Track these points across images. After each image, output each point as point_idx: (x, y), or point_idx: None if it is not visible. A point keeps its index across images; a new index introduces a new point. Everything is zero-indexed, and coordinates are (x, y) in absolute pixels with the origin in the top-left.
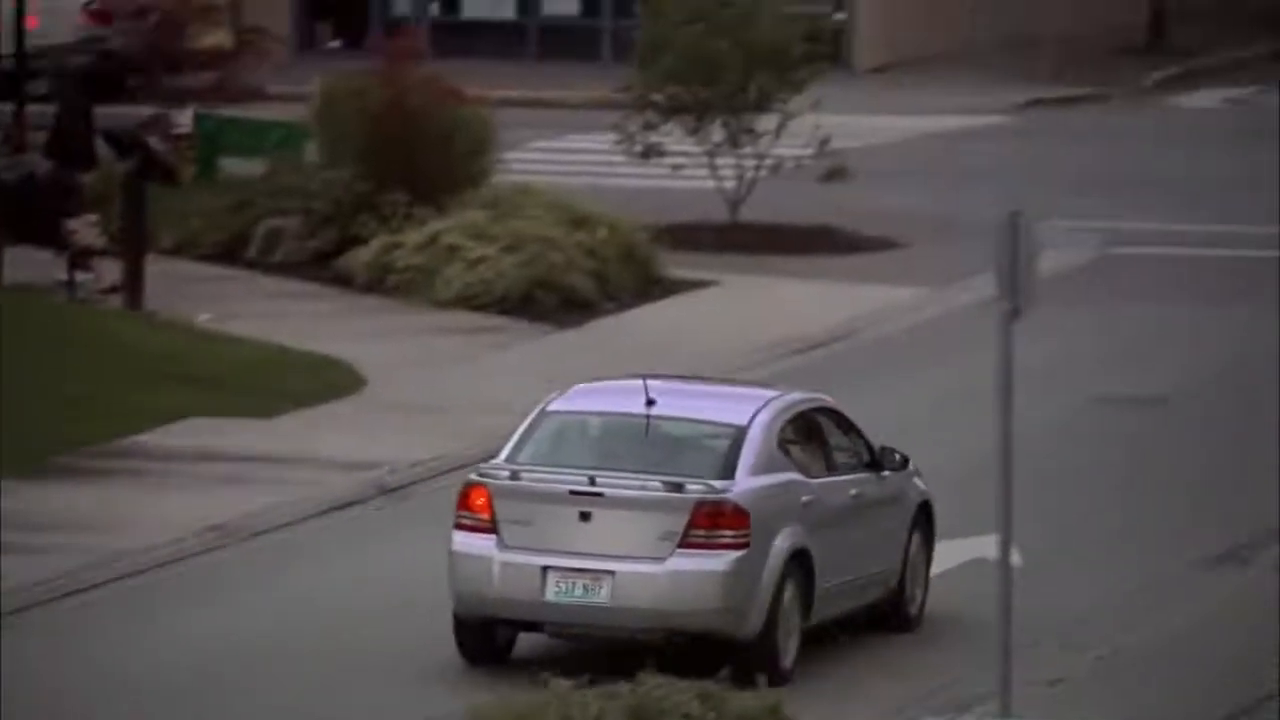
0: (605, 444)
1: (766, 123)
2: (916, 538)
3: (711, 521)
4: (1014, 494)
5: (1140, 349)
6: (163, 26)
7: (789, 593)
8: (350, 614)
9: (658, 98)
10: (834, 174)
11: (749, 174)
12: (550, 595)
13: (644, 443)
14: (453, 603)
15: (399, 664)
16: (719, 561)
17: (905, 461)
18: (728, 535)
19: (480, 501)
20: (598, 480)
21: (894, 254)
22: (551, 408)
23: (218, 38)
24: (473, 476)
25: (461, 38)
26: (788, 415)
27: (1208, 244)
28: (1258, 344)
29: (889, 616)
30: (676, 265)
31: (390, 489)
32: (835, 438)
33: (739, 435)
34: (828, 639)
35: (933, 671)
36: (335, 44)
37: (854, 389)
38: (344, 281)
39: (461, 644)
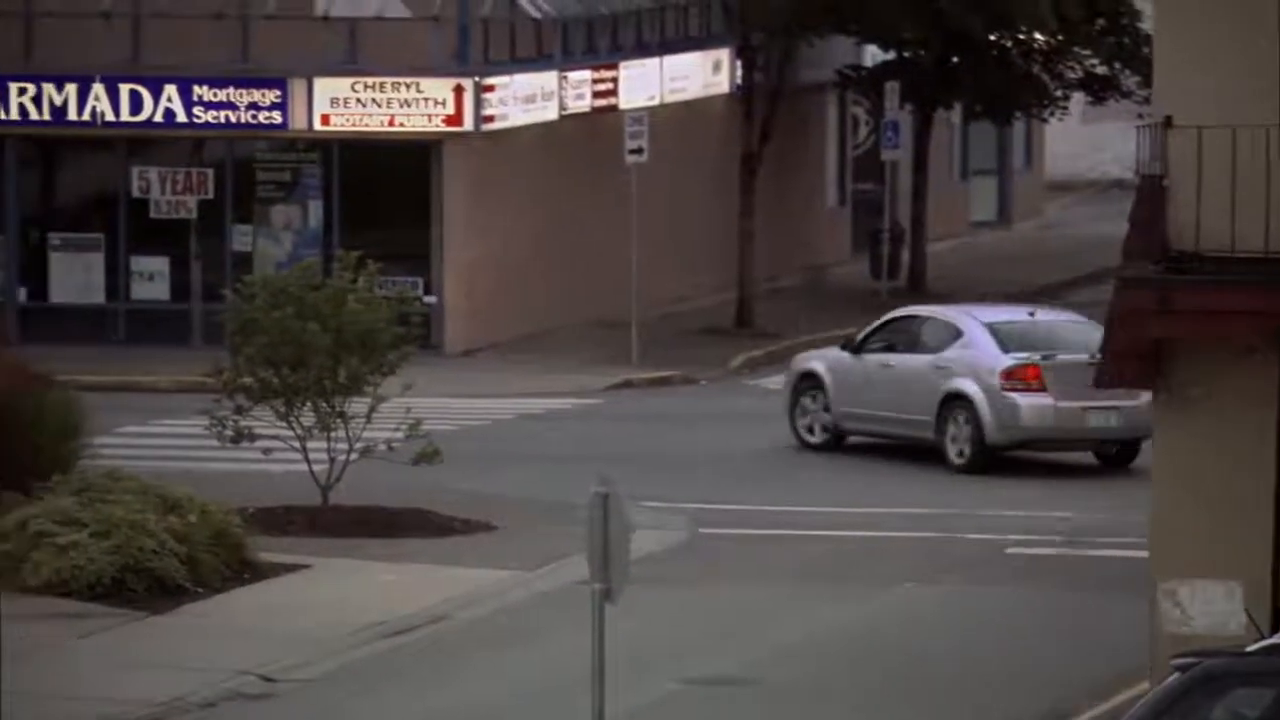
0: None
1: (358, 406)
2: None
3: None
4: None
5: (732, 628)
6: None
7: None
8: None
9: (248, 381)
10: (425, 457)
11: (340, 457)
12: (1091, 424)
13: (1050, 335)
14: (990, 435)
15: None
16: None
17: None
18: None
19: (1034, 374)
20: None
21: (486, 536)
22: (985, 319)
23: None
24: (1023, 360)
25: (50, 321)
26: None
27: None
28: (843, 622)
29: None
30: (268, 549)
31: None
32: None
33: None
34: None
35: None
36: None
37: (448, 672)
38: None
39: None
